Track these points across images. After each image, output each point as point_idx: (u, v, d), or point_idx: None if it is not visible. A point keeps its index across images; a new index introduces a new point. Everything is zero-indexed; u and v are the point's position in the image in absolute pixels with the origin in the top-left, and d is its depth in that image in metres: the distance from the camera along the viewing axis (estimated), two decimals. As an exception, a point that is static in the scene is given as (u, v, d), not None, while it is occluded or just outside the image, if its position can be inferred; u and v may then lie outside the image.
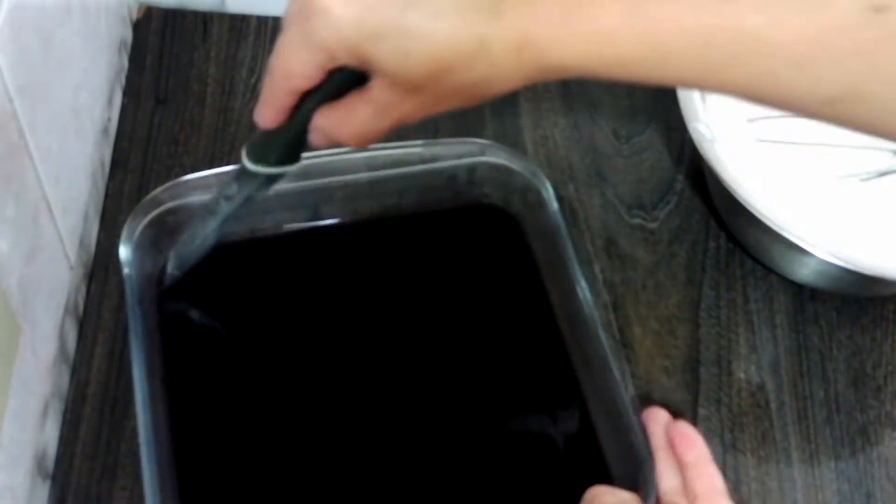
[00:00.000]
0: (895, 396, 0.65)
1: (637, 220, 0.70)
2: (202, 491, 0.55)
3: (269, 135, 0.47)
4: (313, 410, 0.58)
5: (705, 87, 0.41)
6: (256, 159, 0.49)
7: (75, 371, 0.61)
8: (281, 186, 0.53)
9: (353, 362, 0.60)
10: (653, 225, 0.70)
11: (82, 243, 0.63)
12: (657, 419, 0.54)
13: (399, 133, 0.47)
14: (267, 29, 0.76)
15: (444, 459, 0.57)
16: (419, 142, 0.64)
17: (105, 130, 0.68)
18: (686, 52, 0.38)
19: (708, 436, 0.62)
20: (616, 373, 0.55)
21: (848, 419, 0.64)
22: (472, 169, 0.65)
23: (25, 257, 0.52)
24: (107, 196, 0.68)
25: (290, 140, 0.47)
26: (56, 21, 0.56)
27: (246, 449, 0.56)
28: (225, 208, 0.54)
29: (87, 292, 0.64)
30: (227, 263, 0.61)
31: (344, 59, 0.41)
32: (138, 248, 0.58)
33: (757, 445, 0.62)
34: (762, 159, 0.66)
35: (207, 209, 0.55)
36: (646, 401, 0.63)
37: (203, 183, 0.60)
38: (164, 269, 0.60)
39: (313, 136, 0.46)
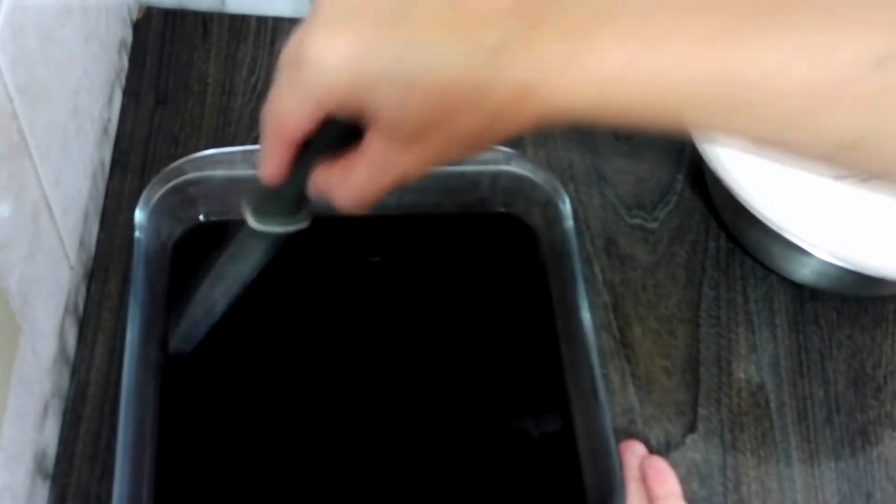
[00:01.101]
0: (895, 396, 0.65)
1: (637, 220, 0.70)
2: (181, 474, 0.55)
3: (273, 191, 0.46)
4: (306, 397, 0.58)
5: (710, 132, 0.40)
6: (261, 218, 0.47)
7: (75, 371, 0.61)
8: None
9: (349, 356, 0.60)
10: (653, 225, 0.70)
11: (82, 243, 0.63)
12: (634, 451, 0.56)
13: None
14: (267, 29, 0.76)
15: (426, 460, 0.57)
16: None
17: (105, 130, 0.68)
18: (691, 98, 0.38)
19: (708, 436, 0.62)
20: (603, 400, 0.54)
21: (848, 419, 0.64)
22: (495, 177, 0.65)
23: (25, 257, 0.52)
24: (107, 196, 0.68)
25: (293, 196, 0.45)
26: (56, 21, 0.56)
27: (233, 433, 0.57)
28: (231, 272, 0.52)
29: (87, 292, 0.64)
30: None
31: (337, 109, 0.40)
32: (154, 214, 0.59)
33: (757, 445, 0.62)
34: (762, 159, 0.66)
35: (214, 275, 0.53)
36: (646, 401, 0.63)
37: (227, 158, 0.60)
38: (178, 240, 0.60)
39: (313, 192, 0.45)
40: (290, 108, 0.41)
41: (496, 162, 0.64)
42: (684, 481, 0.61)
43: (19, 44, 0.50)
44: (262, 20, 0.76)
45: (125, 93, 0.72)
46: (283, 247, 0.54)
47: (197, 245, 0.62)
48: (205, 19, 0.76)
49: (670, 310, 0.67)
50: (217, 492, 0.55)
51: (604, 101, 0.38)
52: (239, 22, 0.76)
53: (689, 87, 0.37)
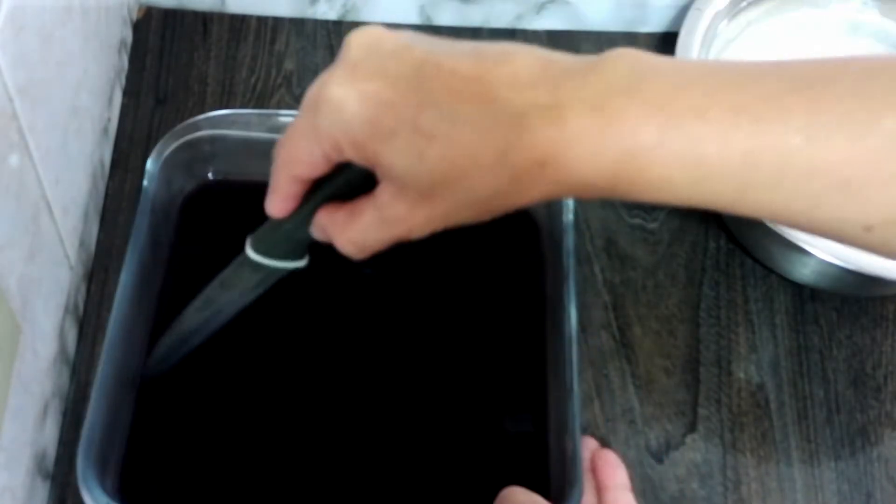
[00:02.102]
0: (895, 396, 0.65)
1: (637, 220, 0.70)
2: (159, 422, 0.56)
3: (275, 226, 0.46)
4: (287, 376, 0.59)
5: (741, 210, 0.39)
6: (260, 250, 0.48)
7: (75, 371, 0.61)
8: None
9: (334, 338, 0.60)
10: (653, 225, 0.70)
11: (82, 243, 0.63)
12: (587, 445, 0.57)
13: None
14: (267, 29, 0.76)
15: (396, 447, 0.57)
16: None
17: (105, 130, 0.68)
18: (727, 172, 0.36)
19: (708, 436, 0.62)
20: (575, 394, 0.54)
21: (848, 419, 0.64)
22: None
23: (25, 257, 0.52)
24: (107, 196, 0.68)
25: (295, 233, 0.46)
26: (56, 21, 0.56)
27: (213, 404, 0.57)
28: (221, 299, 0.52)
29: (87, 292, 0.64)
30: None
31: (351, 155, 0.40)
32: (165, 166, 0.59)
33: (757, 445, 0.62)
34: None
35: (203, 299, 0.53)
36: (646, 401, 0.63)
37: (243, 119, 0.61)
38: (187, 195, 0.61)
39: (314, 231, 0.44)
40: (305, 147, 0.41)
41: None
42: (684, 481, 0.61)
43: (19, 44, 0.50)
44: (262, 20, 0.76)
45: (125, 93, 0.72)
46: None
47: (206, 202, 0.63)
48: (205, 19, 0.76)
49: (670, 310, 0.67)
50: (193, 455, 0.56)
51: (632, 173, 0.37)
52: (239, 22, 0.76)
53: (727, 159, 0.36)
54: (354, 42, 0.40)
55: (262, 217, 0.64)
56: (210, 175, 0.63)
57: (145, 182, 0.58)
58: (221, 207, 0.63)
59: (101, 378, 0.52)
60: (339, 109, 0.39)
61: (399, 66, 0.39)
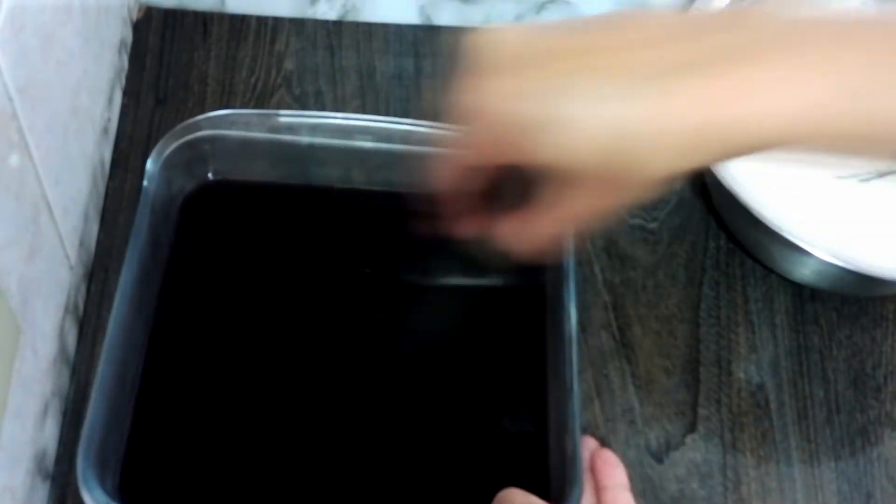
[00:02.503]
0: (895, 396, 0.65)
1: (637, 220, 0.70)
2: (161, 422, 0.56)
3: (441, 246, 0.48)
4: (286, 375, 0.59)
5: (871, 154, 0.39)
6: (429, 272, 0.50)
7: (75, 371, 0.61)
8: (317, 140, 0.56)
9: (332, 336, 0.60)
10: (653, 225, 0.70)
11: (82, 243, 0.63)
12: (586, 445, 0.56)
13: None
14: (267, 29, 0.76)
15: (398, 447, 0.57)
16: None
17: (105, 130, 0.68)
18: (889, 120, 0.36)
19: (708, 436, 0.62)
20: (575, 394, 0.54)
21: (848, 419, 0.64)
22: None
23: (25, 257, 0.52)
24: (107, 196, 0.68)
25: (461, 251, 0.47)
26: (56, 21, 0.56)
27: (213, 397, 0.57)
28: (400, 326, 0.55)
29: (87, 292, 0.64)
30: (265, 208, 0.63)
31: (513, 158, 0.40)
32: (165, 166, 0.59)
33: (757, 445, 0.62)
34: (762, 159, 0.66)
35: None
36: (646, 401, 0.63)
37: (242, 119, 0.61)
38: (187, 195, 0.62)
39: (492, 242, 0.45)
40: (465, 157, 0.42)
41: None
42: (684, 481, 0.61)
43: (19, 44, 0.50)
44: (262, 20, 0.76)
45: (125, 93, 0.72)
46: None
47: (206, 202, 0.63)
48: (205, 19, 0.76)
49: (670, 310, 0.67)
50: (193, 443, 0.56)
51: (805, 128, 0.36)
52: (239, 22, 0.76)
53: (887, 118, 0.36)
54: (479, 44, 0.40)
55: (262, 218, 0.64)
56: (210, 175, 0.63)
57: (145, 182, 0.58)
58: (221, 207, 0.63)
59: (101, 378, 0.52)
60: (488, 113, 0.39)
61: (531, 56, 0.38)
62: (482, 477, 0.56)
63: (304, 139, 0.62)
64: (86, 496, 0.48)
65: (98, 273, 0.65)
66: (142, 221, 0.57)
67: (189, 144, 0.61)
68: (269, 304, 0.61)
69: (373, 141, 0.63)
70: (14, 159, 0.50)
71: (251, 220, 0.64)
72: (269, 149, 0.62)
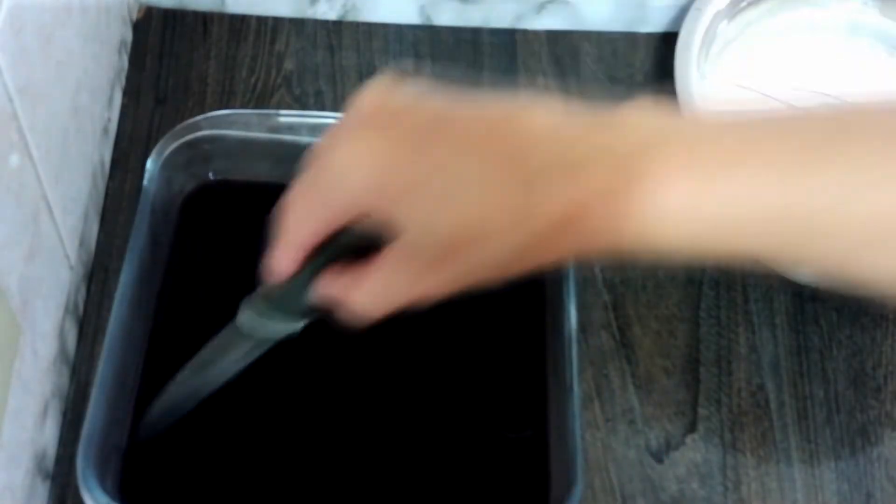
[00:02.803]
0: (895, 396, 0.65)
1: (637, 220, 0.70)
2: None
3: (274, 290, 0.45)
4: (285, 374, 0.58)
5: (776, 262, 0.38)
6: (256, 315, 0.47)
7: (75, 371, 0.61)
8: (317, 140, 0.54)
9: (331, 339, 0.60)
10: (653, 225, 0.70)
11: (82, 243, 0.63)
12: None
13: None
14: (267, 29, 0.76)
15: (397, 448, 0.57)
16: None
17: (105, 130, 0.68)
18: (760, 229, 0.35)
19: (708, 436, 0.62)
20: (576, 395, 0.54)
21: (848, 419, 0.64)
22: None
23: (25, 257, 0.52)
24: (107, 196, 0.68)
25: (294, 298, 0.44)
26: (56, 21, 0.56)
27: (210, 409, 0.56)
28: (216, 364, 0.51)
29: (87, 292, 0.64)
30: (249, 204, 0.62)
31: (358, 217, 0.38)
32: (165, 166, 0.60)
33: (757, 445, 0.62)
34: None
35: (196, 364, 0.52)
36: (646, 401, 0.63)
37: (242, 119, 0.62)
38: (188, 195, 0.62)
39: (318, 295, 0.43)
40: (309, 210, 0.40)
41: None
42: (684, 481, 0.61)
43: (19, 44, 0.50)
44: (262, 20, 0.76)
45: (125, 93, 0.72)
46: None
47: (206, 201, 0.63)
48: (205, 19, 0.76)
49: (670, 310, 0.67)
50: (194, 443, 0.56)
51: (654, 233, 0.35)
52: (239, 22, 0.76)
53: (759, 217, 0.35)
54: (362, 97, 0.39)
55: (261, 217, 0.64)
56: (210, 175, 0.63)
57: (145, 182, 0.58)
58: (221, 207, 0.63)
59: (101, 378, 0.52)
60: (345, 170, 0.37)
61: (409, 124, 0.37)
62: (483, 478, 0.56)
63: (304, 139, 0.62)
64: (86, 496, 0.49)
65: (98, 273, 0.65)
66: (142, 221, 0.57)
67: (189, 144, 0.61)
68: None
69: None
70: (14, 159, 0.50)
71: (251, 220, 0.64)
72: (269, 149, 0.62)
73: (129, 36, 0.74)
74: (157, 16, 0.76)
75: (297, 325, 0.47)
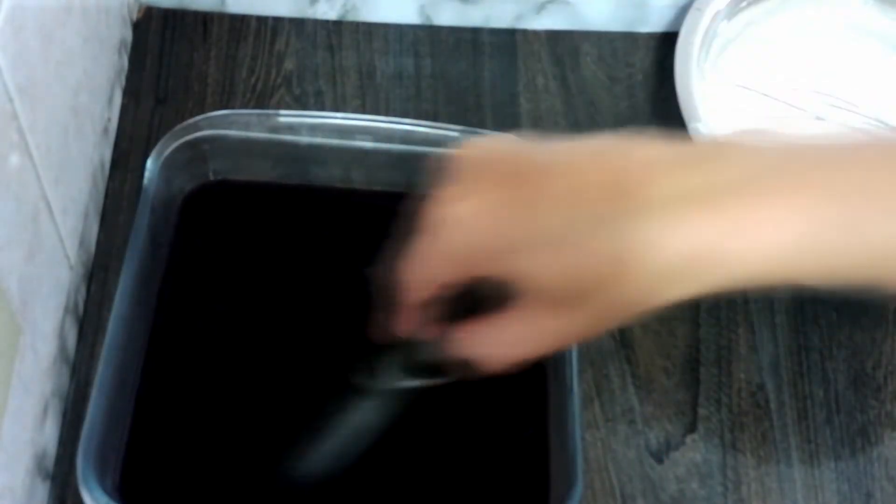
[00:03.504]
0: (895, 396, 0.65)
1: (637, 220, 0.70)
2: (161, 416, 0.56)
3: (395, 351, 0.45)
4: (288, 375, 0.59)
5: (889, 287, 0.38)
6: (377, 376, 0.47)
7: (75, 371, 0.61)
8: (317, 140, 0.58)
9: (332, 332, 0.60)
10: (653, 225, 0.70)
11: (82, 243, 0.63)
12: None
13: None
14: (267, 29, 0.76)
15: (398, 447, 0.56)
16: (456, 127, 0.63)
17: (105, 130, 0.68)
18: (878, 255, 0.36)
19: (708, 436, 0.62)
20: (575, 401, 0.54)
21: (848, 419, 0.64)
22: None
23: (25, 257, 0.52)
24: (107, 196, 0.68)
25: (419, 357, 0.45)
26: (56, 21, 0.56)
27: (215, 385, 0.58)
28: (351, 426, 0.51)
29: (87, 292, 0.64)
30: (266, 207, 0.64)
31: (482, 272, 0.38)
32: (165, 166, 0.60)
33: (757, 445, 0.62)
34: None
35: (332, 430, 0.52)
36: (646, 401, 0.63)
37: (242, 119, 0.62)
38: (188, 195, 0.62)
39: (449, 349, 0.43)
40: (432, 269, 0.40)
41: None
42: (684, 481, 0.61)
43: (19, 44, 0.50)
44: (262, 20, 0.76)
45: (125, 93, 0.72)
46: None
47: (206, 202, 0.63)
48: (205, 19, 0.76)
49: (670, 310, 0.66)
50: (193, 439, 0.56)
51: (778, 266, 0.35)
52: (239, 22, 0.76)
53: (870, 246, 0.36)
54: (464, 155, 0.39)
55: (262, 218, 0.64)
56: (210, 175, 0.63)
57: (145, 182, 0.58)
58: (221, 207, 0.63)
59: (100, 378, 0.52)
60: (463, 227, 0.38)
61: (516, 174, 0.37)
62: (482, 477, 0.56)
63: (304, 139, 0.62)
64: (86, 496, 0.48)
65: (98, 273, 0.65)
66: (142, 221, 0.57)
67: (189, 144, 0.61)
68: (269, 304, 0.61)
69: (373, 141, 0.63)
70: (14, 159, 0.50)
71: (251, 220, 0.64)
72: (269, 149, 0.63)
73: (129, 36, 0.74)
74: (157, 16, 0.76)
75: (423, 382, 0.47)
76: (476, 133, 0.64)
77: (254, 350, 0.59)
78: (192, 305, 0.60)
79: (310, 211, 0.65)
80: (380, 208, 0.64)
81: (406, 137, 0.62)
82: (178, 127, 0.60)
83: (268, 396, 0.58)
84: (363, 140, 0.63)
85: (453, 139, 0.63)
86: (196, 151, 0.61)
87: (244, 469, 0.56)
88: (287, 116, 0.62)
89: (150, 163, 0.59)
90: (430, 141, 0.62)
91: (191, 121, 0.60)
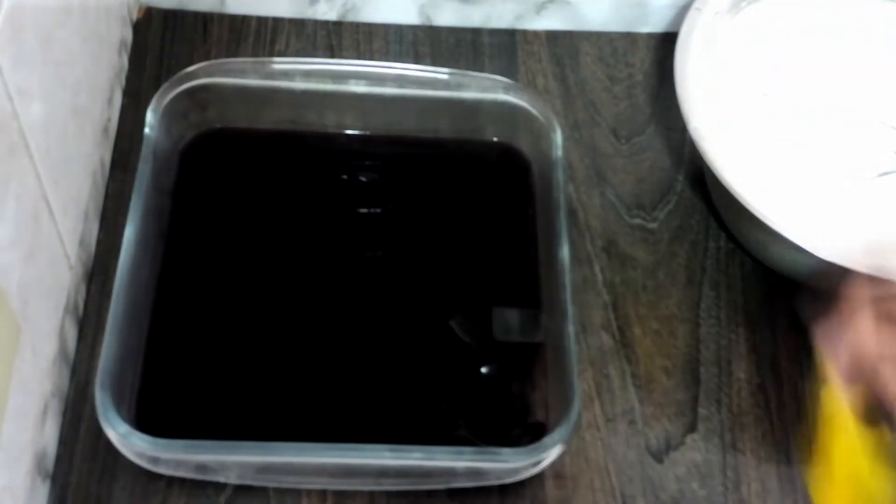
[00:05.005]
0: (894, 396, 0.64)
1: (637, 220, 0.70)
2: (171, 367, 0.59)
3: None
4: (292, 297, 0.62)
5: None
6: None
7: (75, 371, 0.61)
8: (312, 86, 0.62)
9: (337, 263, 0.64)
10: (653, 225, 0.70)
11: (82, 243, 0.63)
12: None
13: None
14: (267, 29, 0.76)
15: (393, 366, 0.61)
16: (446, 70, 0.66)
17: (105, 130, 0.68)
18: None
19: (708, 436, 0.62)
20: (570, 322, 0.57)
21: (848, 419, 0.64)
22: (492, 106, 0.67)
23: (25, 257, 0.52)
24: (107, 196, 0.68)
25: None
26: (56, 21, 0.56)
27: (220, 333, 0.61)
28: None
29: (87, 292, 0.64)
30: (250, 152, 0.67)
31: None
32: (165, 115, 0.62)
33: (757, 445, 0.62)
34: (762, 159, 0.66)
35: None
36: (646, 401, 0.63)
37: (238, 67, 0.65)
38: (188, 143, 0.65)
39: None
40: (844, 363, 0.48)
41: (494, 91, 0.66)
42: (684, 481, 0.61)
43: (19, 44, 0.50)
44: (262, 20, 0.76)
45: (125, 93, 0.72)
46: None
47: (206, 149, 0.66)
48: (205, 19, 0.76)
49: (670, 310, 0.67)
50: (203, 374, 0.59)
51: None
52: (239, 22, 0.76)
53: None
54: (855, 292, 0.49)
55: (260, 163, 0.67)
56: (208, 122, 0.66)
57: (146, 131, 0.61)
58: (220, 154, 0.66)
59: (112, 315, 0.55)
60: (860, 343, 0.47)
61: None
62: (483, 400, 0.59)
63: (299, 85, 0.65)
64: (107, 428, 0.51)
65: (98, 273, 0.65)
66: (144, 168, 0.60)
67: (187, 93, 0.63)
68: (269, 242, 0.64)
69: (366, 85, 0.65)
70: (14, 159, 0.50)
71: (249, 165, 0.67)
72: (264, 95, 0.65)
73: (129, 36, 0.74)
74: (157, 16, 0.76)
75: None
76: (467, 76, 0.66)
77: (255, 285, 0.62)
78: (197, 245, 0.63)
79: (306, 155, 0.67)
80: (374, 151, 0.68)
81: (398, 80, 0.65)
82: (175, 76, 0.62)
83: (272, 325, 0.61)
84: (357, 84, 0.65)
85: (444, 81, 0.66)
86: (193, 100, 0.64)
87: (252, 394, 0.58)
88: (281, 63, 0.65)
89: (150, 113, 0.61)
90: (421, 83, 0.65)
91: (187, 70, 0.63)
